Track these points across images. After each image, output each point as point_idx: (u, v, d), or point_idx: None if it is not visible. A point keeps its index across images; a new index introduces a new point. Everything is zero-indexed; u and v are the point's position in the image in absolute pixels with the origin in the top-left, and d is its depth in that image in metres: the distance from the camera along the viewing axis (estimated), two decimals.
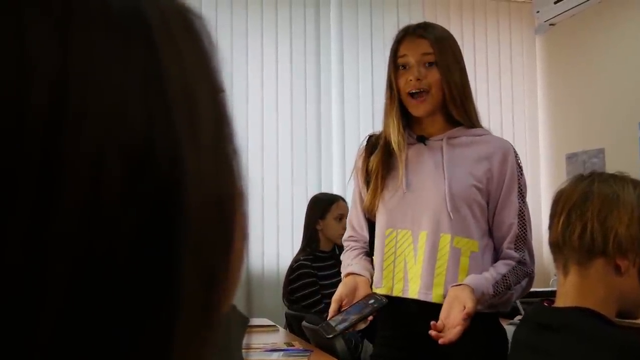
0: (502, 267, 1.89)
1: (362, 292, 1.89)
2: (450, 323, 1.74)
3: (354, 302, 1.86)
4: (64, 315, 0.26)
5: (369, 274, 1.96)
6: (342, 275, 1.99)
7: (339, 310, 1.84)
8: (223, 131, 0.33)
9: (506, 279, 1.86)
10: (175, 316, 0.29)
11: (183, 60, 0.31)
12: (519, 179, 1.96)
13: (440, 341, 1.72)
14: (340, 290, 1.89)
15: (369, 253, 2.07)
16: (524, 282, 1.91)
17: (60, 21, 0.27)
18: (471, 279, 1.82)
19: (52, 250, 0.26)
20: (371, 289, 1.94)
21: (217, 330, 0.33)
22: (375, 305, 1.82)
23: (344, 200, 3.99)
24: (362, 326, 1.86)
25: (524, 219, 1.94)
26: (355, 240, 2.10)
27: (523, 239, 1.93)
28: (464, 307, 1.74)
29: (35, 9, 0.27)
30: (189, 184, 0.29)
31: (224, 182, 0.32)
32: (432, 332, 1.73)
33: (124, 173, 0.27)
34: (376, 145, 2.02)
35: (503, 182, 1.94)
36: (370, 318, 1.83)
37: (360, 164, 2.07)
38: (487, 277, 1.84)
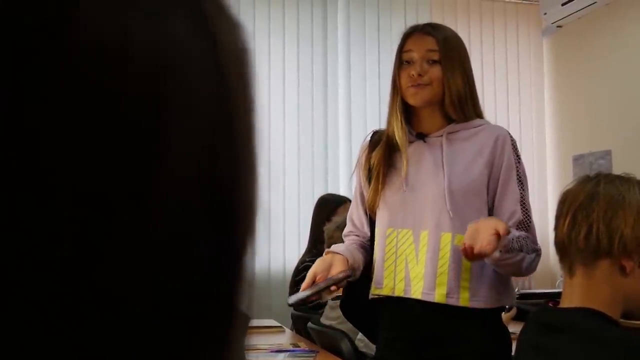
0: (515, 231, 1.86)
1: (337, 269, 1.88)
2: (480, 243, 1.67)
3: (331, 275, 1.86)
4: (143, 320, 0.27)
5: (350, 256, 1.94)
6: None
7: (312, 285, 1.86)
8: (254, 141, 0.34)
9: (520, 240, 1.82)
10: (231, 324, 0.31)
11: (243, 77, 0.31)
12: (516, 166, 1.95)
13: (476, 250, 1.66)
14: (315, 266, 1.89)
15: (367, 248, 2.07)
16: (532, 255, 1.87)
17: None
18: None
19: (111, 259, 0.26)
20: (348, 266, 1.90)
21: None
22: (341, 276, 1.84)
23: (350, 202, 3.98)
24: (327, 297, 1.89)
25: (525, 206, 1.93)
26: (356, 235, 2.10)
27: (527, 226, 1.92)
28: (495, 231, 1.68)
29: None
30: (240, 192, 0.30)
31: (255, 191, 0.33)
32: (464, 248, 1.69)
33: (196, 184, 0.28)
34: (379, 142, 2.02)
35: (500, 170, 1.94)
36: (334, 288, 1.84)
37: (363, 160, 2.08)
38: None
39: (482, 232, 1.68)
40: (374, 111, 5.20)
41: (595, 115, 5.12)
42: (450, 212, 1.89)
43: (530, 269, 1.90)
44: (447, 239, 1.90)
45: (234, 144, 0.30)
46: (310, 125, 5.11)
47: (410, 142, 1.99)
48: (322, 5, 5.21)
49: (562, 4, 5.18)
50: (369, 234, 2.08)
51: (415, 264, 1.93)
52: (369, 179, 2.03)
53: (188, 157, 0.27)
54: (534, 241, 1.91)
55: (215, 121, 0.29)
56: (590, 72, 5.21)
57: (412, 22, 5.14)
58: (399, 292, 1.94)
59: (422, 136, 1.99)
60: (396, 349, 1.91)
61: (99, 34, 0.25)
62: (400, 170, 1.96)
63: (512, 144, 1.97)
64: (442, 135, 1.97)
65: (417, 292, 1.92)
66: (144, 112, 0.26)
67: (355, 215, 2.12)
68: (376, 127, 5.43)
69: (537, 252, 1.91)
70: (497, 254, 1.73)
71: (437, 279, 1.89)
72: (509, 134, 2.00)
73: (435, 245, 1.91)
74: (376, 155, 2.01)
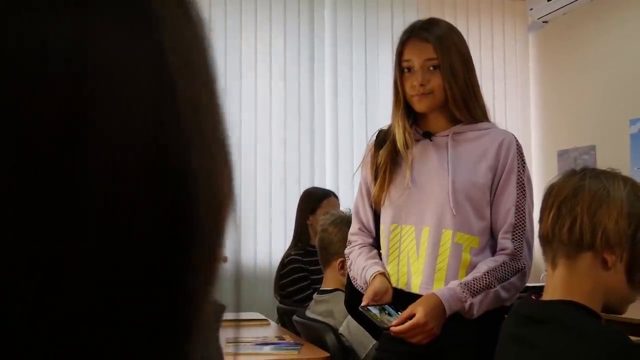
0: (483, 265, 1.89)
1: (388, 298, 1.94)
2: (417, 339, 1.83)
3: (383, 302, 1.93)
4: (85, 325, 0.26)
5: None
6: (372, 271, 1.99)
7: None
8: (220, 127, 0.33)
9: (482, 279, 1.86)
10: (190, 317, 0.30)
11: (189, 57, 0.30)
12: (519, 170, 1.96)
13: (414, 341, 1.83)
14: (379, 286, 1.93)
15: (378, 249, 2.10)
16: (514, 279, 1.90)
17: (76, 21, 0.26)
18: (443, 293, 1.86)
19: (74, 262, 0.26)
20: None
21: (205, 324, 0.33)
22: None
23: (335, 196, 3.99)
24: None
25: (522, 210, 1.94)
26: (365, 236, 2.12)
27: (520, 229, 1.93)
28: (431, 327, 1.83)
29: (51, 8, 0.26)
30: (200, 188, 0.29)
31: (223, 181, 0.32)
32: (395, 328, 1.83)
33: (142, 185, 0.27)
34: (385, 140, 2.05)
35: (502, 172, 1.95)
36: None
37: (369, 158, 2.10)
38: (453, 287, 1.86)
39: (429, 326, 1.83)
40: (360, 105, 5.21)
41: (579, 110, 5.16)
42: (454, 210, 1.92)
43: (517, 290, 1.94)
44: (447, 236, 1.93)
45: (186, 142, 0.29)
46: (296, 120, 5.11)
47: (417, 140, 2.02)
48: (309, 2, 5.20)
49: (548, 0, 5.20)
50: (374, 230, 2.11)
51: (415, 259, 1.96)
52: (375, 177, 2.05)
53: (123, 161, 0.27)
54: (521, 257, 1.91)
55: (158, 121, 0.28)
56: (575, 67, 5.24)
57: (399, 18, 5.18)
58: (402, 285, 1.98)
59: (428, 135, 2.02)
60: (398, 340, 1.92)
61: (20, 41, 0.25)
62: (406, 169, 1.99)
63: (518, 149, 1.99)
64: (448, 135, 1.99)
65: (416, 286, 1.95)
66: (63, 116, 0.25)
67: (361, 211, 2.14)
68: (362, 121, 5.44)
69: (521, 271, 1.92)
70: (467, 305, 1.84)
71: (436, 275, 1.92)
72: (515, 138, 2.02)
73: (436, 242, 1.93)
74: (383, 153, 2.03)
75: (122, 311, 0.27)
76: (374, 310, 1.89)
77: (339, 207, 3.78)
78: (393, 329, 1.83)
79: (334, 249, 2.98)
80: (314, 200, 3.90)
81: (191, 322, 0.30)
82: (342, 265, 2.92)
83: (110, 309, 0.27)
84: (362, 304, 1.90)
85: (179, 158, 0.28)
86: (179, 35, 0.30)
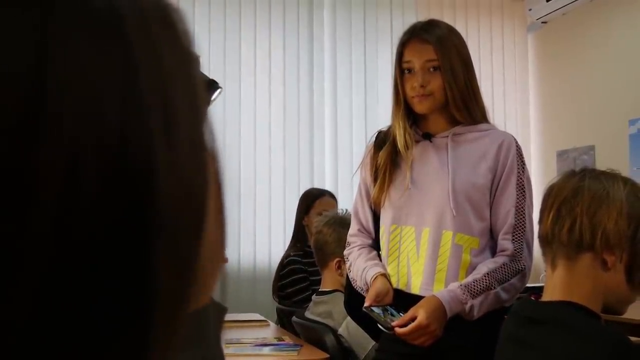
0: (483, 267, 1.90)
1: (389, 299, 1.95)
2: (419, 341, 1.83)
3: (384, 303, 1.93)
4: (36, 315, 0.26)
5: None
6: (373, 272, 1.99)
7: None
8: (199, 127, 0.33)
9: (482, 281, 1.86)
10: (152, 308, 0.30)
11: (160, 59, 0.31)
12: (518, 172, 1.97)
13: (417, 343, 1.83)
14: (380, 286, 1.94)
15: (377, 250, 2.10)
16: (514, 280, 1.91)
17: (39, 20, 0.27)
18: (443, 295, 1.86)
19: (25, 250, 0.26)
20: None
21: (187, 323, 0.33)
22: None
23: (331, 195, 3.98)
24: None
25: (522, 211, 1.94)
26: (364, 237, 2.12)
27: (521, 230, 1.93)
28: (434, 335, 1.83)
29: (14, 7, 0.27)
30: (163, 181, 0.30)
31: (198, 176, 0.33)
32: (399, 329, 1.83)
33: (99, 172, 0.28)
34: (385, 141, 2.05)
35: (502, 173, 1.96)
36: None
37: (368, 159, 2.11)
38: (454, 289, 1.86)
39: (431, 327, 1.83)
40: (359, 106, 5.20)
41: (579, 111, 5.16)
42: (454, 211, 1.92)
43: (518, 291, 1.94)
44: (448, 237, 1.93)
45: (149, 138, 0.29)
46: (296, 120, 5.10)
47: (417, 141, 2.03)
48: (309, 4, 5.20)
49: (547, 0, 5.21)
50: (374, 231, 2.11)
51: (415, 260, 1.97)
52: (375, 179, 2.05)
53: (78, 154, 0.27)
54: (521, 258, 1.92)
55: (121, 117, 0.29)
56: (574, 68, 5.24)
57: (398, 20, 5.18)
58: (402, 286, 1.98)
59: (428, 136, 2.02)
60: (399, 342, 1.92)
61: None
62: (406, 170, 1.99)
63: (517, 150, 2.00)
64: (448, 136, 2.00)
65: (416, 287, 1.95)
66: (21, 107, 0.26)
67: (361, 212, 2.14)
68: (361, 123, 5.44)
69: (521, 272, 1.92)
70: (467, 306, 1.84)
71: (436, 275, 1.93)
72: (515, 140, 2.03)
73: (436, 243, 1.94)
74: (383, 154, 2.04)
75: (77, 309, 0.27)
76: (378, 311, 1.90)
77: (336, 206, 3.77)
78: (397, 330, 1.83)
79: (330, 249, 2.97)
80: (309, 200, 3.90)
81: (158, 325, 0.30)
82: (339, 265, 2.91)
83: (66, 305, 0.27)
84: (365, 305, 1.91)
85: (141, 149, 0.29)
86: (150, 42, 0.31)
